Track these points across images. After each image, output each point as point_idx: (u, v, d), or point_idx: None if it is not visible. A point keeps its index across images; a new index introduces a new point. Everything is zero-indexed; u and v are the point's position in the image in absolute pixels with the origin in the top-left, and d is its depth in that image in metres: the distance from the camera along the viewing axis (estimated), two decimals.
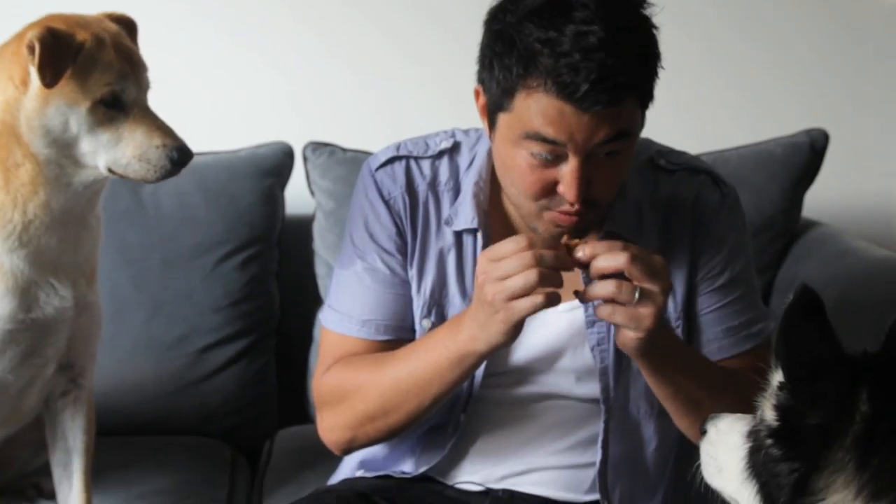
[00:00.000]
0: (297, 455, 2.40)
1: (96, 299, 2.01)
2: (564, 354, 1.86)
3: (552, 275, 1.63)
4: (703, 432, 1.49)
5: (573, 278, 1.83)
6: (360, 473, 1.97)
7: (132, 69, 1.86)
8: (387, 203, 1.88)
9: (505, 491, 1.88)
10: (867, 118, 3.00)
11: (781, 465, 1.32)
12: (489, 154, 1.85)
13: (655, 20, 1.71)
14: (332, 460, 2.08)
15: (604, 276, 1.64)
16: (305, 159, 2.60)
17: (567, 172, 1.69)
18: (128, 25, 1.93)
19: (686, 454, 1.74)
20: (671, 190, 1.88)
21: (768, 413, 1.35)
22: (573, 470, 1.88)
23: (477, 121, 1.81)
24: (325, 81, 2.86)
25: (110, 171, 1.86)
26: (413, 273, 1.87)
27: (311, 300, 2.57)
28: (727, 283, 1.87)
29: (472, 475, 1.90)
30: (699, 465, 1.48)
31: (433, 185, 1.89)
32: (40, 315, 1.91)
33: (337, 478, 2.02)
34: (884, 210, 3.02)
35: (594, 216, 1.77)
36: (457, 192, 1.88)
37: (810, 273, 2.53)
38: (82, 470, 2.04)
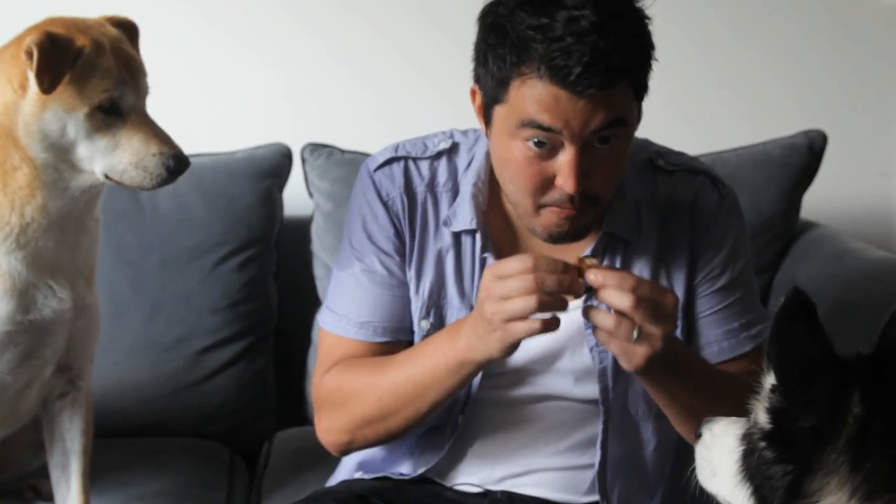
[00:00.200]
0: (296, 457, 2.39)
1: (95, 301, 2.01)
2: (563, 355, 1.86)
3: (554, 300, 1.62)
4: (699, 436, 1.49)
5: (574, 279, 1.83)
6: (358, 475, 1.97)
7: (131, 75, 1.86)
8: (385, 204, 1.88)
9: (503, 493, 1.88)
10: (865, 119, 3.00)
11: (775, 467, 1.32)
12: (488, 155, 1.85)
13: (654, 24, 1.72)
14: (330, 462, 2.08)
15: None
16: (304, 161, 2.60)
17: (564, 163, 1.68)
18: (129, 29, 1.93)
19: (684, 455, 1.74)
20: (670, 190, 1.88)
21: (761, 416, 1.35)
22: (572, 471, 1.88)
23: (475, 121, 1.81)
24: (323, 83, 2.86)
25: (107, 177, 1.85)
26: (411, 274, 1.87)
27: (309, 302, 2.57)
28: (727, 284, 1.87)
29: (470, 477, 1.89)
30: (694, 469, 1.48)
31: (431, 185, 1.89)
32: (38, 317, 1.91)
33: (335, 479, 2.02)
34: (882, 211, 3.02)
35: (592, 214, 1.77)
36: (455, 192, 1.88)
37: (808, 274, 2.53)
38: (80, 472, 2.04)
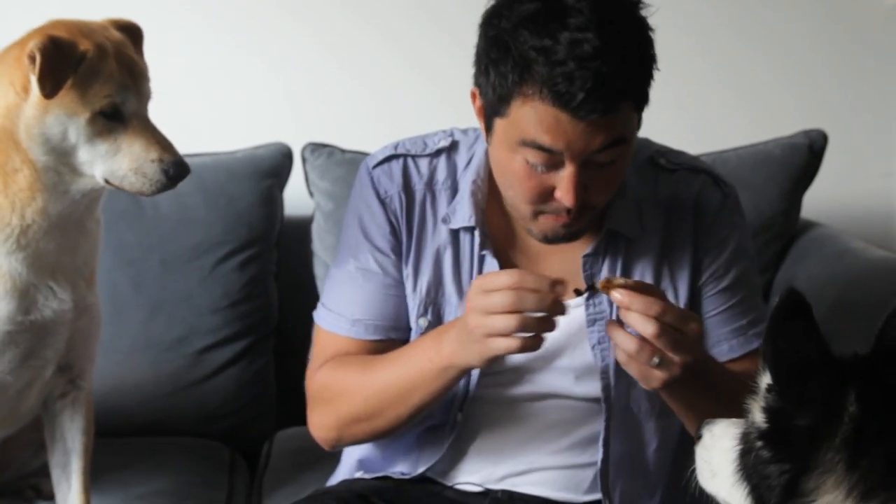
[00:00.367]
0: (296, 456, 2.39)
1: (96, 301, 2.01)
2: (563, 353, 1.85)
3: (536, 322, 1.62)
4: (699, 437, 1.49)
5: (575, 276, 1.84)
6: (359, 474, 1.97)
7: (133, 81, 1.85)
8: (382, 202, 1.88)
9: (504, 492, 1.88)
10: (866, 119, 3.00)
11: (772, 466, 1.32)
12: (487, 153, 1.85)
13: (653, 21, 1.71)
14: (331, 461, 2.08)
15: None
16: (304, 160, 2.60)
17: (564, 179, 1.69)
18: (133, 32, 1.92)
19: (686, 453, 1.74)
20: (672, 189, 1.89)
21: (757, 415, 1.35)
22: (572, 470, 1.88)
23: (475, 121, 1.81)
24: (323, 82, 2.86)
25: (107, 182, 1.85)
26: (409, 271, 1.88)
27: (310, 301, 2.54)
28: (732, 283, 1.88)
29: (470, 475, 1.89)
30: (694, 470, 1.48)
31: (430, 183, 1.89)
32: (39, 317, 1.91)
33: (336, 479, 2.02)
34: (882, 211, 3.02)
35: (588, 220, 1.78)
36: (454, 190, 1.88)
37: (809, 274, 2.53)
38: (81, 471, 2.04)
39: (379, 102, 2.86)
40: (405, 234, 1.88)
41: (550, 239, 1.78)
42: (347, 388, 1.84)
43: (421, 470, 1.90)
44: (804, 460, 1.30)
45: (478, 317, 1.63)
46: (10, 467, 2.19)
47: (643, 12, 1.70)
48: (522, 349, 1.63)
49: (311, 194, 2.59)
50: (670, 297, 1.84)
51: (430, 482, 1.91)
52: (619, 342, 1.63)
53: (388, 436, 1.87)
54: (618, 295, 1.62)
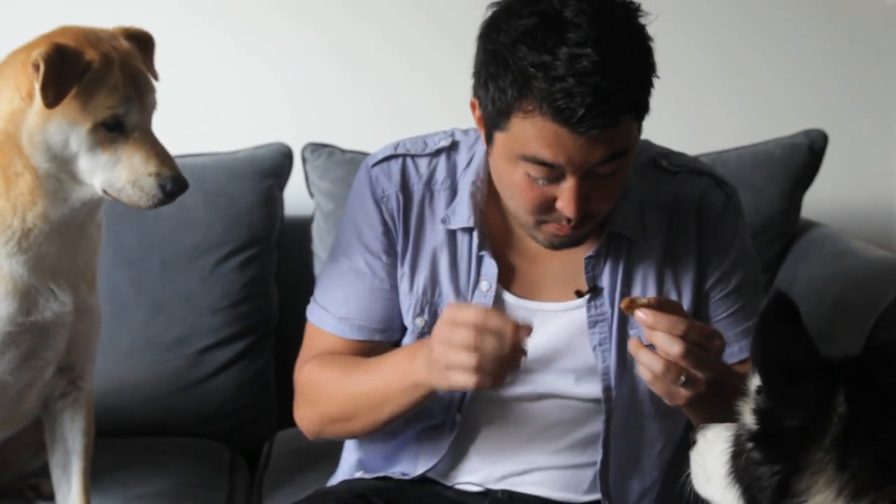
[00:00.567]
0: (297, 456, 2.39)
1: (97, 303, 2.01)
2: (563, 354, 1.85)
3: (496, 363, 1.63)
4: (693, 442, 1.50)
5: (574, 277, 1.84)
6: (359, 475, 1.97)
7: (137, 93, 1.84)
8: (377, 202, 1.89)
9: (504, 492, 1.88)
10: (866, 119, 3.00)
11: (763, 468, 1.33)
12: (487, 154, 1.85)
13: (654, 24, 1.70)
14: (331, 462, 2.08)
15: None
16: (304, 160, 2.60)
17: (565, 190, 1.69)
18: (143, 41, 1.91)
19: (685, 454, 1.74)
20: (674, 191, 1.89)
21: (748, 417, 1.36)
22: (572, 470, 1.88)
23: (475, 123, 1.81)
24: (323, 82, 2.85)
25: (105, 192, 1.84)
26: (405, 271, 1.88)
27: (310, 302, 2.56)
28: (739, 285, 1.88)
29: (471, 475, 1.90)
30: (689, 475, 1.48)
31: (429, 183, 1.89)
32: (39, 318, 1.90)
33: (336, 479, 2.02)
34: (883, 211, 3.02)
35: (591, 227, 1.79)
36: (453, 191, 1.88)
37: (809, 274, 2.53)
38: (81, 471, 2.03)
39: (379, 102, 2.86)
40: (402, 234, 1.88)
41: (556, 245, 1.79)
42: (328, 389, 1.87)
43: (421, 470, 1.90)
44: (795, 461, 1.30)
45: (440, 347, 1.65)
46: (11, 468, 2.19)
47: (642, 20, 1.69)
48: (480, 386, 1.65)
49: (311, 194, 2.59)
50: (674, 299, 1.84)
51: (431, 482, 1.91)
52: (646, 363, 1.63)
53: (369, 437, 1.90)
54: (642, 315, 1.63)
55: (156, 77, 1.90)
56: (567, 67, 1.60)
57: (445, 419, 1.87)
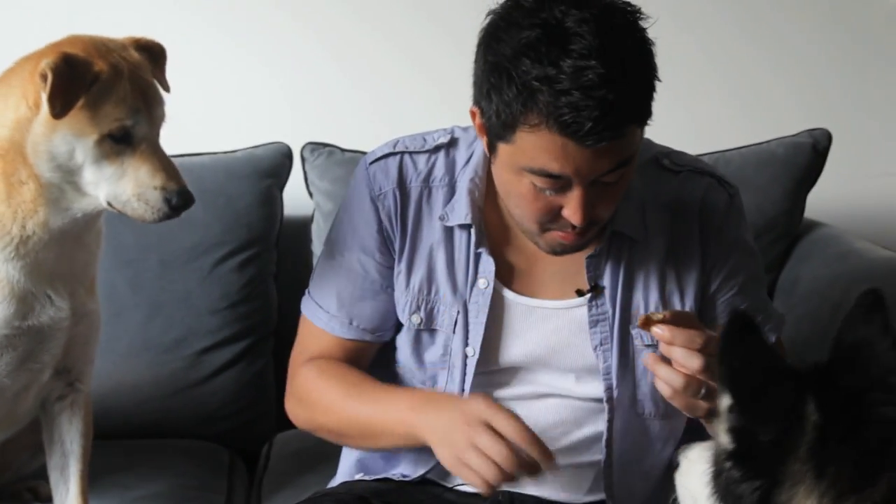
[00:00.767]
0: (296, 458, 2.39)
1: (96, 307, 2.00)
2: (564, 354, 1.85)
3: (511, 482, 1.66)
4: (676, 465, 1.50)
5: (575, 276, 1.83)
6: (359, 476, 1.97)
7: (146, 105, 1.82)
8: (374, 200, 1.88)
9: (504, 493, 1.87)
10: (870, 118, 3.00)
11: (743, 485, 1.33)
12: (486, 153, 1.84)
13: (657, 24, 1.69)
14: (331, 463, 2.08)
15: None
16: (303, 160, 2.59)
17: (572, 199, 1.69)
18: (154, 52, 1.89)
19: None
20: (676, 191, 1.88)
21: (723, 437, 1.36)
22: (574, 470, 1.88)
23: None
24: (323, 82, 2.85)
25: (110, 205, 1.83)
26: (402, 268, 1.88)
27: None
28: (744, 284, 1.88)
29: None
30: (676, 500, 1.49)
31: (427, 180, 1.89)
32: (36, 322, 1.90)
33: (336, 481, 2.02)
34: (886, 210, 3.01)
35: (595, 233, 1.79)
36: (451, 188, 1.88)
37: (813, 273, 2.53)
38: (79, 474, 2.03)
39: (379, 102, 2.86)
40: (399, 231, 1.88)
41: (559, 252, 1.79)
42: (326, 403, 1.88)
43: (421, 472, 1.90)
44: (773, 475, 1.31)
45: (463, 440, 1.66)
46: (9, 470, 2.18)
47: (643, 23, 1.68)
48: (480, 489, 1.67)
49: (310, 194, 2.59)
50: (677, 300, 1.85)
51: (431, 484, 1.91)
52: (666, 378, 1.64)
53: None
54: (659, 330, 1.63)
55: (167, 89, 1.89)
56: (572, 81, 1.59)
57: None
